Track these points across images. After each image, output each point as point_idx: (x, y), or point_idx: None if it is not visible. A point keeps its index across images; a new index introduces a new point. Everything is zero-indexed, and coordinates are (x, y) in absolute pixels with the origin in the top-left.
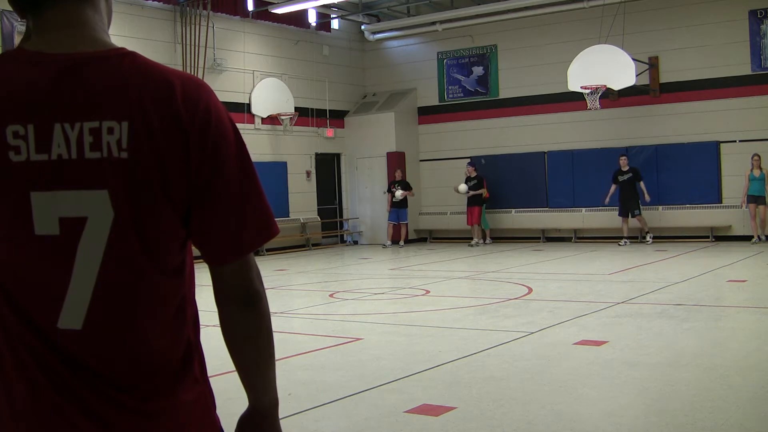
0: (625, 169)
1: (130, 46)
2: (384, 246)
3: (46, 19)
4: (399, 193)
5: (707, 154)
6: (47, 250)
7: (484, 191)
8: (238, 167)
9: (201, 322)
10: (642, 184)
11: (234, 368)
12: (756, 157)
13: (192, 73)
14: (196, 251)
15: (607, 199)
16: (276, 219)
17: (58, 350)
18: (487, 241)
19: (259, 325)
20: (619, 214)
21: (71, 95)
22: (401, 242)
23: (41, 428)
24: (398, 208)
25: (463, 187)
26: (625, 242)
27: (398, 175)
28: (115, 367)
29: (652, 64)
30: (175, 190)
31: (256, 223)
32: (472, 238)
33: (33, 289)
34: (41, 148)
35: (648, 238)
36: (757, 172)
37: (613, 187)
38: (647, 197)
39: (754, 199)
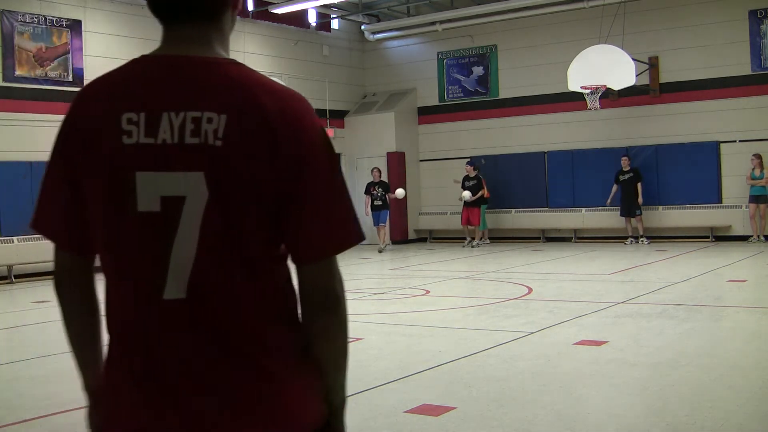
0: (627, 169)
1: (130, 46)
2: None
3: (173, 33)
4: (399, 191)
5: (707, 154)
6: (149, 226)
7: (484, 191)
8: (327, 174)
9: None
10: (640, 185)
11: None
12: (753, 157)
13: None
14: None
15: (609, 200)
16: None
17: (164, 319)
18: (485, 241)
19: (333, 329)
20: (621, 214)
21: (180, 89)
22: (382, 245)
23: (150, 398)
24: (379, 210)
25: (467, 194)
26: (631, 241)
27: (376, 175)
28: (217, 334)
29: (652, 64)
30: (262, 185)
31: (339, 227)
32: (473, 239)
33: (137, 264)
34: (149, 132)
35: (641, 241)
36: (758, 172)
37: (615, 188)
38: (640, 200)
39: (755, 198)
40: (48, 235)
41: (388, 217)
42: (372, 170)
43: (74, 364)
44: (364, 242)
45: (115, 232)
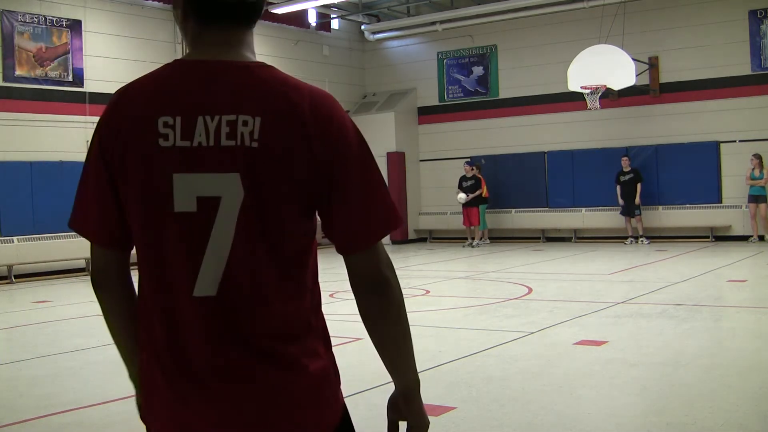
0: (627, 169)
1: (130, 46)
2: None
3: (209, 37)
4: None
5: (707, 154)
6: (186, 225)
7: (482, 191)
8: (360, 165)
9: None
10: (639, 186)
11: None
12: (753, 158)
13: None
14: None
15: (620, 201)
16: None
17: (192, 315)
18: (485, 241)
19: (387, 311)
20: (621, 213)
21: (214, 93)
22: None
23: (178, 388)
24: None
25: (462, 195)
26: (631, 241)
27: None
28: (245, 330)
29: (652, 64)
30: (297, 184)
31: (377, 215)
32: (473, 239)
33: (170, 262)
34: (185, 135)
35: (641, 241)
36: (757, 172)
37: (619, 189)
38: (637, 200)
39: (754, 198)
40: (84, 234)
41: None
42: None
43: (119, 355)
44: None
45: (151, 232)
